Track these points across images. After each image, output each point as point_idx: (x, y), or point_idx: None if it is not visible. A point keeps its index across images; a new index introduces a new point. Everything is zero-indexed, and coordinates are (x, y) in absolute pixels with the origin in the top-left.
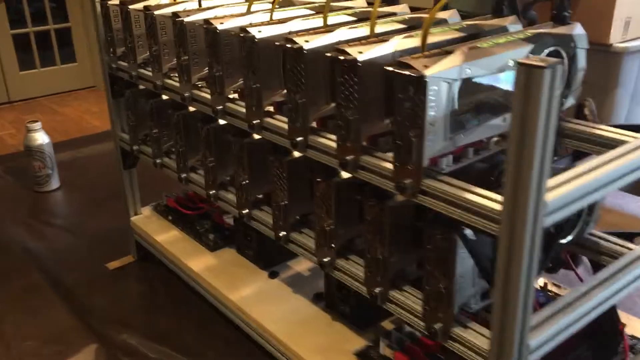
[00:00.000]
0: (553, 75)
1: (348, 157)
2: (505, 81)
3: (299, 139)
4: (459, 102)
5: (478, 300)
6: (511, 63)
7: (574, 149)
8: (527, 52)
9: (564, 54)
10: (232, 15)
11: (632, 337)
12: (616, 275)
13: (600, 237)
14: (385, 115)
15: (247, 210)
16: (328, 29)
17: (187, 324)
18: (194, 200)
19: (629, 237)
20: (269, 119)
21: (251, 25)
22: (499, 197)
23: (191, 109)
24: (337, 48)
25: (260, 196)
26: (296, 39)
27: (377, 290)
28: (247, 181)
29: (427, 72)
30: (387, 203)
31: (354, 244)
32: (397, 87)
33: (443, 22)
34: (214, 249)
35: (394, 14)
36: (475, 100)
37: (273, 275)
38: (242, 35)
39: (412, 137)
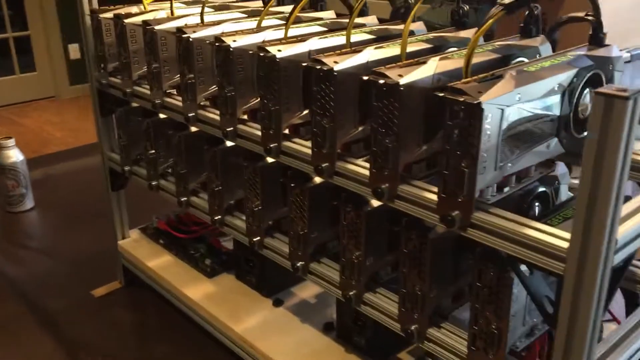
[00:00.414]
0: (635, 105)
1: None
2: (551, 106)
3: (325, 164)
4: (508, 130)
5: (523, 338)
6: (557, 87)
7: None
8: (572, 75)
9: (603, 77)
10: (243, 32)
11: None
12: None
13: (635, 266)
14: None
15: (258, 238)
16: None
17: (184, 355)
18: (187, 223)
19: None
20: (287, 143)
21: (268, 43)
22: (566, 235)
23: (193, 129)
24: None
25: (271, 222)
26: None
27: (413, 327)
28: (260, 207)
29: (483, 99)
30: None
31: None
32: (448, 114)
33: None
34: (212, 275)
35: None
36: (522, 127)
37: (278, 303)
38: (261, 54)
39: (463, 167)
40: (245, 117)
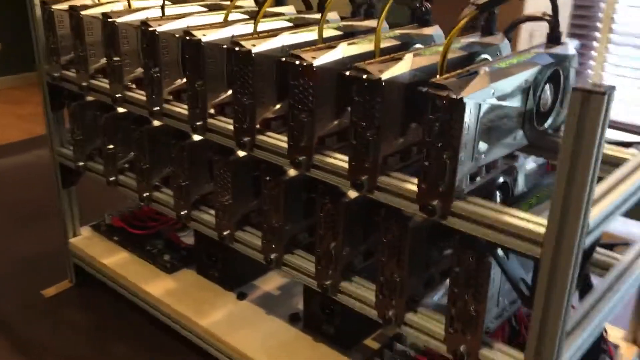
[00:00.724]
0: (609, 99)
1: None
2: (518, 100)
3: (302, 158)
4: (483, 123)
5: (493, 320)
6: (524, 83)
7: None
8: (536, 72)
9: (562, 74)
10: (211, 26)
11: (613, 344)
12: (618, 281)
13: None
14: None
15: (229, 232)
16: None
17: (144, 353)
18: (142, 219)
19: (609, 247)
20: (261, 136)
21: (240, 37)
22: (542, 221)
23: (155, 123)
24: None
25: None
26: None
27: (390, 313)
28: (230, 201)
29: (464, 94)
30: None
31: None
32: (430, 108)
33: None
34: (172, 271)
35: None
36: (493, 121)
37: (242, 296)
38: (236, 49)
39: (445, 159)
40: (213, 111)
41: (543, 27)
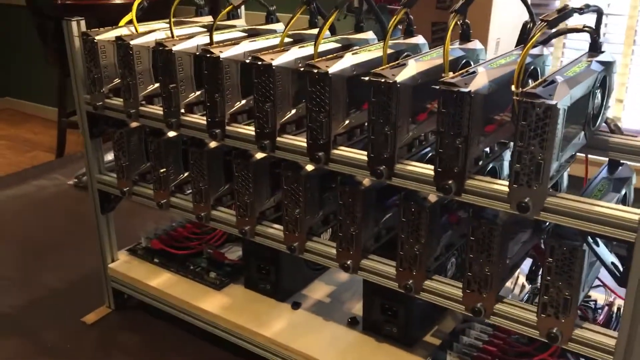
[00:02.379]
0: None
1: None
2: (582, 105)
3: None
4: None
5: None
6: (587, 90)
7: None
8: (594, 79)
9: (608, 80)
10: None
11: None
12: None
13: None
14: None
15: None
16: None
17: None
18: (179, 239)
19: None
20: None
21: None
22: (635, 210)
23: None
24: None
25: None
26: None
27: (479, 305)
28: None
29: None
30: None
31: None
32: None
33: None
34: (220, 287)
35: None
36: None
37: (296, 305)
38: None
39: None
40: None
41: (507, 35)
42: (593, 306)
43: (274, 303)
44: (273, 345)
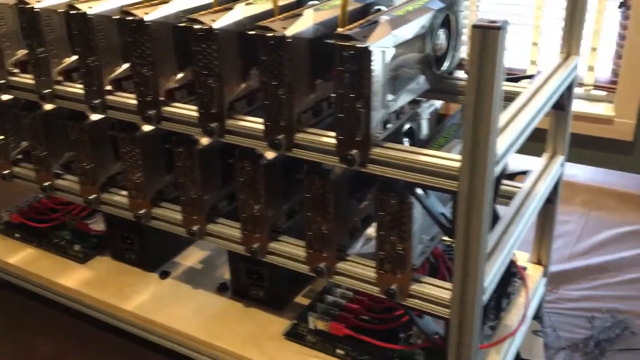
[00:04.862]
0: (504, 34)
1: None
2: (418, 46)
3: (214, 124)
4: (390, 70)
5: (418, 257)
6: (421, 29)
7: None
8: (431, 17)
9: (452, 18)
10: None
11: (522, 267)
12: (520, 209)
13: None
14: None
15: (144, 210)
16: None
17: (72, 348)
18: (42, 212)
19: (511, 177)
20: (167, 107)
21: (131, 7)
22: (456, 157)
23: (47, 107)
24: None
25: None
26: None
27: (322, 265)
28: (142, 179)
29: (370, 42)
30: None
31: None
32: (339, 59)
33: None
34: (85, 261)
35: None
36: (398, 67)
37: (164, 275)
38: (127, 18)
39: (358, 108)
40: (110, 87)
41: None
42: None
43: (141, 274)
44: (135, 319)
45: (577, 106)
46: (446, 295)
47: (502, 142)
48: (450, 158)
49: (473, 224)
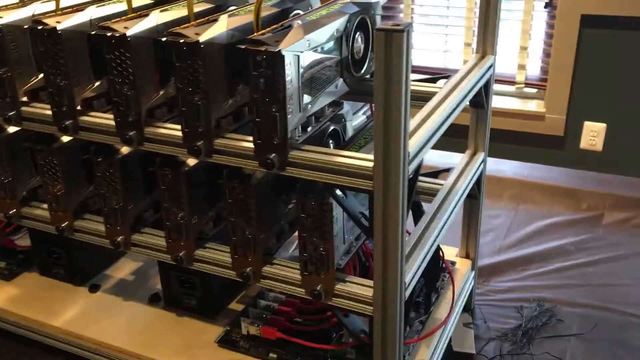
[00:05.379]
0: (408, 35)
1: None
2: (334, 50)
3: (132, 133)
4: (304, 74)
5: (343, 257)
6: (336, 32)
7: None
8: (345, 21)
9: (368, 21)
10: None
11: (450, 262)
12: (443, 205)
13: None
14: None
15: (67, 223)
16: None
17: None
18: None
19: (434, 175)
20: (84, 117)
21: (43, 16)
22: (369, 157)
23: None
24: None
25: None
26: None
27: (248, 270)
28: (63, 190)
29: (282, 47)
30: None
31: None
32: (252, 64)
33: None
34: (11, 278)
35: None
36: (314, 71)
37: (94, 288)
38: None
39: (274, 112)
40: (26, 98)
41: None
42: None
43: (69, 288)
44: (64, 335)
45: (510, 104)
46: (369, 292)
47: (415, 141)
48: (364, 158)
49: (390, 222)
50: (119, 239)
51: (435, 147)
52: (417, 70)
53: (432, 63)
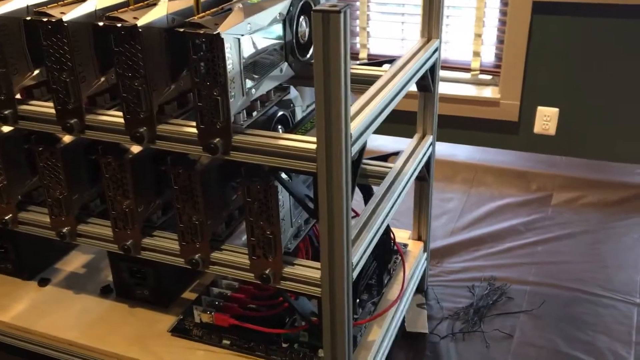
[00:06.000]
0: (346, 17)
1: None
2: (277, 34)
3: (73, 121)
4: (246, 57)
5: (292, 240)
6: (278, 16)
7: None
8: (289, 5)
9: (312, 4)
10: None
11: (402, 244)
12: (391, 187)
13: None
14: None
15: (10, 215)
16: None
17: None
18: None
19: (384, 159)
20: (24, 106)
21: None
22: (312, 139)
23: None
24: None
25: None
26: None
27: (197, 257)
28: (5, 182)
29: (221, 29)
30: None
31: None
32: (191, 48)
33: None
34: None
35: None
36: (257, 54)
37: (44, 282)
38: None
39: (215, 96)
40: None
41: None
42: None
43: (18, 283)
44: (13, 330)
45: (465, 90)
46: (316, 274)
47: (357, 123)
48: (307, 141)
49: (334, 203)
50: (65, 229)
51: (389, 133)
52: (373, 58)
53: (389, 52)
